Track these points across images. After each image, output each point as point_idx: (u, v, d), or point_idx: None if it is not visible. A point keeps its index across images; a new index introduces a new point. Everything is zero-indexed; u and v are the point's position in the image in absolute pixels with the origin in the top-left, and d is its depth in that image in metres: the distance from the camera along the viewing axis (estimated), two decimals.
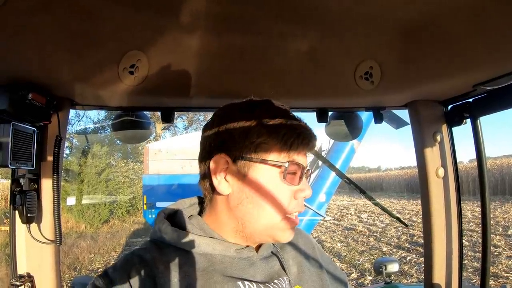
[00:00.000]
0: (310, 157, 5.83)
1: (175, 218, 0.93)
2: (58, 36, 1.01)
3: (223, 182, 0.87)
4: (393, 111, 2.15)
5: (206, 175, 0.90)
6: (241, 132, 0.85)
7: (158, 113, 1.58)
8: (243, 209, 0.86)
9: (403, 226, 3.56)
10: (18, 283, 1.25)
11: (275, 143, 0.84)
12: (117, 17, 1.08)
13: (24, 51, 0.99)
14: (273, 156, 0.84)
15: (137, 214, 16.15)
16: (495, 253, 8.48)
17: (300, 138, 0.86)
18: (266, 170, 0.85)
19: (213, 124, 0.91)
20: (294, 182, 0.86)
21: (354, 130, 1.74)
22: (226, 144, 0.86)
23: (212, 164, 0.87)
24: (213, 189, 0.89)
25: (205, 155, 0.90)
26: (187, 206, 0.98)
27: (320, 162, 6.40)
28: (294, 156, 0.85)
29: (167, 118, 1.58)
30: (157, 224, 0.91)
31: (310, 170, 0.94)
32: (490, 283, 1.53)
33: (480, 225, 1.51)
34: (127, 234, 13.36)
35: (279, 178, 0.85)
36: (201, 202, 0.99)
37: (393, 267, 2.57)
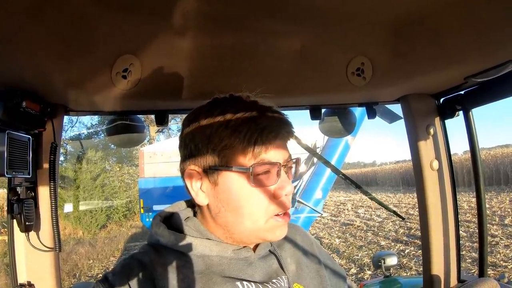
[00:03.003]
0: (305, 154, 5.83)
1: (171, 221, 0.92)
2: (50, 42, 1.01)
3: (200, 193, 0.85)
4: (386, 105, 2.16)
5: (186, 186, 0.88)
6: (203, 139, 0.81)
7: (152, 116, 1.57)
8: (223, 217, 0.84)
9: (400, 219, 3.57)
10: None
11: (237, 144, 0.78)
12: (108, 21, 1.07)
13: (16, 58, 0.99)
14: (238, 160, 0.79)
15: (134, 218, 16.08)
16: (493, 243, 8.53)
17: (264, 133, 0.78)
18: (235, 177, 0.80)
19: (182, 132, 0.88)
20: (269, 182, 0.80)
21: (348, 126, 1.75)
22: (193, 154, 0.84)
23: (186, 176, 0.86)
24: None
25: (181, 167, 0.89)
26: (184, 208, 0.97)
27: (315, 159, 6.40)
28: (262, 154, 0.79)
29: (161, 121, 1.57)
30: (154, 227, 0.90)
31: (293, 161, 0.86)
32: (489, 272, 1.54)
33: (476, 216, 1.52)
34: (125, 239, 13.29)
35: (249, 183, 0.79)
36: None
37: (392, 261, 2.60)
